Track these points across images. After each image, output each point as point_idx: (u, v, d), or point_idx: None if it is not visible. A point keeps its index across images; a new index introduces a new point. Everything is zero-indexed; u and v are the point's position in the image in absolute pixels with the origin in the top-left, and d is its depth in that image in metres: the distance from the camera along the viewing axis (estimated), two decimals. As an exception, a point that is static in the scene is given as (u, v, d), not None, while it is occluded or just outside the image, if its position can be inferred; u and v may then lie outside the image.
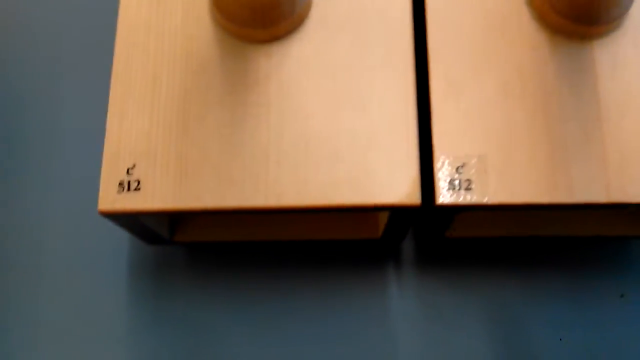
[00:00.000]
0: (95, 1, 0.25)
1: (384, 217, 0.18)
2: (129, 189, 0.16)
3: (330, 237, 0.20)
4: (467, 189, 0.16)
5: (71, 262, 0.22)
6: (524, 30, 0.17)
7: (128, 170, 0.17)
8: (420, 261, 0.22)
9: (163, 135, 0.17)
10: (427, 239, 0.21)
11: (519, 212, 0.20)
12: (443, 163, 0.16)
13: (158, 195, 0.16)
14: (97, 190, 0.16)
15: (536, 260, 0.22)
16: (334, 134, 0.17)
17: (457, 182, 0.16)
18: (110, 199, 0.16)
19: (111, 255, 0.21)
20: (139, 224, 0.18)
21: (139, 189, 0.16)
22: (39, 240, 0.22)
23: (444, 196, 0.16)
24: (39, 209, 0.22)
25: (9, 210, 0.22)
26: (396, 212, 0.17)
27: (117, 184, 0.17)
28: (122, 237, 0.21)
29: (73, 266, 0.22)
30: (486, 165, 0.16)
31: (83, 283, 0.21)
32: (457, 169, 0.16)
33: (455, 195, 0.16)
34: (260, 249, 0.22)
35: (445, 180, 0.16)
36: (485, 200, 0.16)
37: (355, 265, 0.21)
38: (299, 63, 0.17)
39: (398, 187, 0.16)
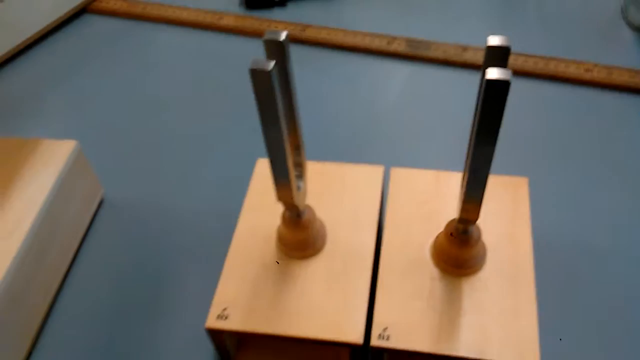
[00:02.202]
0: (217, 227, 0.44)
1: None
2: (222, 318, 0.34)
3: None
4: (387, 339, 0.32)
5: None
6: (428, 268, 0.35)
7: (223, 310, 0.34)
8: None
9: (243, 295, 0.34)
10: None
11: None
12: (377, 326, 0.33)
13: (235, 323, 0.33)
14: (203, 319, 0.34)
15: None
16: (322, 305, 0.33)
17: (382, 336, 0.32)
18: (213, 322, 0.33)
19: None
20: (222, 343, 0.35)
21: (227, 319, 0.34)
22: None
23: (374, 341, 0.32)
24: (167, 335, 0.39)
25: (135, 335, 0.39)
26: (353, 348, 0.33)
27: (217, 315, 0.34)
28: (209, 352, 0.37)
29: None
30: (397, 329, 0.32)
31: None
32: (384, 329, 0.32)
33: (380, 341, 0.32)
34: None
35: (376, 333, 0.32)
36: (394, 346, 0.32)
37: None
38: (313, 270, 0.35)
39: (354, 334, 0.32)
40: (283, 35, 0.28)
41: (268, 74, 0.26)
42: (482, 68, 0.26)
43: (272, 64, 0.26)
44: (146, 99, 0.56)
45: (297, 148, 0.33)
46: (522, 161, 0.47)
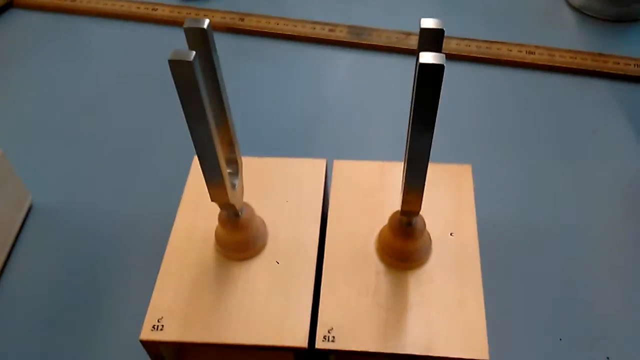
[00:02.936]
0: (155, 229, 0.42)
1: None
2: (158, 329, 0.32)
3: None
4: (332, 341, 0.31)
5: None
6: (373, 262, 0.34)
7: (158, 320, 0.32)
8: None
9: (179, 303, 0.32)
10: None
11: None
12: (322, 327, 0.31)
13: (172, 334, 0.31)
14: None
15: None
16: (264, 309, 0.32)
17: (327, 337, 0.31)
18: (148, 333, 0.31)
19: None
20: (159, 353, 0.33)
21: (163, 329, 0.32)
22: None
23: (319, 344, 0.31)
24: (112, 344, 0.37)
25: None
26: (298, 352, 0.31)
27: (152, 326, 0.32)
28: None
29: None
30: (342, 330, 0.31)
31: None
32: (328, 330, 0.31)
33: (326, 343, 0.31)
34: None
35: (321, 335, 0.31)
36: (339, 347, 0.30)
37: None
38: (254, 271, 0.33)
39: (298, 338, 0.31)
40: (205, 23, 0.26)
41: (189, 64, 0.24)
42: (416, 52, 0.25)
43: (193, 54, 0.24)
44: (77, 97, 0.53)
45: (231, 144, 0.31)
46: (466, 147, 0.46)
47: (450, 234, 0.34)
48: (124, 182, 0.46)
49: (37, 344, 0.37)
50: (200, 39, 0.26)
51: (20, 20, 0.61)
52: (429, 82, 0.23)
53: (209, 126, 0.26)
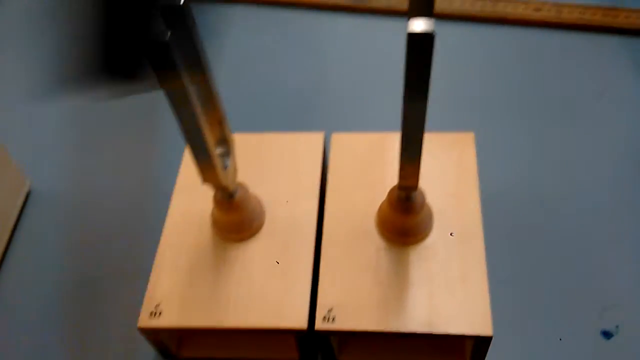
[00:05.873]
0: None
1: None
2: (156, 315, 0.31)
3: (268, 357, 0.33)
4: (332, 321, 0.30)
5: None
6: (373, 239, 0.32)
7: (156, 306, 0.31)
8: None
9: (177, 288, 0.32)
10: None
11: (393, 343, 0.33)
12: (321, 307, 0.30)
13: (169, 320, 0.31)
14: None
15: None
16: (263, 291, 0.31)
17: (327, 318, 0.30)
18: (146, 321, 0.31)
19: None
20: (158, 340, 0.32)
21: (161, 315, 0.31)
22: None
23: (319, 324, 0.30)
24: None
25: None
26: (299, 334, 0.30)
27: (150, 312, 0.31)
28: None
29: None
30: (342, 309, 0.30)
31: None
32: (328, 310, 0.30)
33: (325, 324, 0.30)
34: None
35: (321, 316, 0.30)
36: (339, 327, 0.30)
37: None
38: (252, 252, 0.33)
39: (297, 319, 0.30)
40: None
41: (164, 45, 0.23)
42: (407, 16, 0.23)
43: (168, 34, 0.23)
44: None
45: (220, 123, 0.30)
46: (469, 113, 0.44)
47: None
48: (121, 166, 0.45)
49: (38, 328, 0.37)
50: (177, 17, 0.24)
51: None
52: (418, 51, 0.22)
53: (192, 107, 0.25)
